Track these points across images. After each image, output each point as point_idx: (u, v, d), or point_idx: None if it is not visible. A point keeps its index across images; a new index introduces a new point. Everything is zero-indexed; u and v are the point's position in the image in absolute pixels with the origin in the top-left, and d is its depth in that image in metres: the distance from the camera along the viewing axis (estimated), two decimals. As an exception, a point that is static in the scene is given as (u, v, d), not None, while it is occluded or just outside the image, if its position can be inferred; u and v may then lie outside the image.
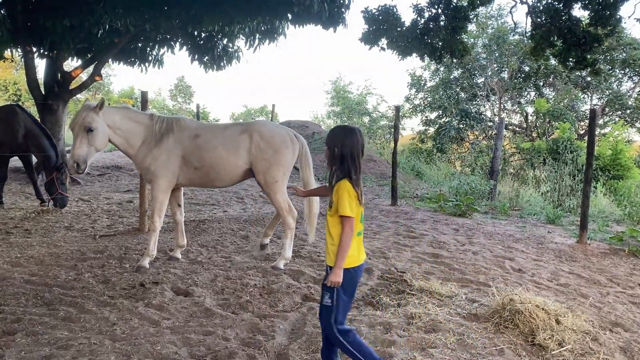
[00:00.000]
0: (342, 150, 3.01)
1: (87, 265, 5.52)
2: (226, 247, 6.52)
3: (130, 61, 12.67)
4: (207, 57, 12.19)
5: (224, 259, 5.92)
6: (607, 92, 21.09)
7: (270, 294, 4.73)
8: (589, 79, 20.30)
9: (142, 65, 12.74)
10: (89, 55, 12.12)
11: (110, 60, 12.60)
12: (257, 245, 6.53)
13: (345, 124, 3.88)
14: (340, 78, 31.83)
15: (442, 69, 23.20)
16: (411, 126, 34.68)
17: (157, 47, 12.50)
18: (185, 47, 12.21)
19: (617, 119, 20.91)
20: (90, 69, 12.21)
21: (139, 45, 12.33)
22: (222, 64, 12.41)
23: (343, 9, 9.79)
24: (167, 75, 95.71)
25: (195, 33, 11.60)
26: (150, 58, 12.67)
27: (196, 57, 12.20)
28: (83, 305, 4.33)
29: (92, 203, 9.40)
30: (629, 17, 8.67)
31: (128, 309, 4.25)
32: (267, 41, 11.38)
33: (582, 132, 19.67)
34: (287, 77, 79.36)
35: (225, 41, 12.23)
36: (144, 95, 7.40)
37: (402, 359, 3.50)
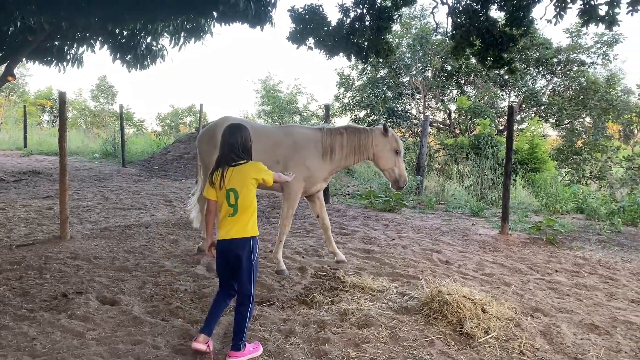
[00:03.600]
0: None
1: (3, 278, 5.16)
2: (154, 253, 6.31)
3: (47, 60, 11.99)
4: (129, 56, 11.74)
5: (153, 265, 5.73)
6: (523, 89, 22.25)
7: (202, 299, 4.63)
8: (506, 77, 21.31)
9: (59, 64, 12.08)
10: (0, 55, 11.36)
11: (24, 59, 11.87)
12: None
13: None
14: (270, 77, 31.63)
15: (369, 68, 23.60)
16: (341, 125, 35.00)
17: (75, 45, 11.90)
18: (106, 46, 11.70)
19: (532, 114, 22.11)
20: (2, 68, 11.45)
21: (56, 43, 11.68)
22: (145, 63, 11.99)
23: (269, 8, 9.73)
24: (88, 75, 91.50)
25: (117, 31, 11.14)
26: (68, 57, 12.05)
27: (118, 56, 11.72)
28: (-1, 321, 4.05)
29: (8, 211, 8.82)
30: (541, 18, 9.17)
31: (49, 321, 4.02)
32: (193, 40, 11.13)
33: (501, 127, 20.62)
34: (216, 77, 78.00)
35: (148, 39, 11.82)
36: (61, 96, 7.02)
37: (336, 356, 3.53)
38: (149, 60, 12.05)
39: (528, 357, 3.69)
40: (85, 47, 11.85)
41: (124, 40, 11.61)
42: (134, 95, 69.32)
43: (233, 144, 3.63)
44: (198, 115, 15.22)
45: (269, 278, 5.31)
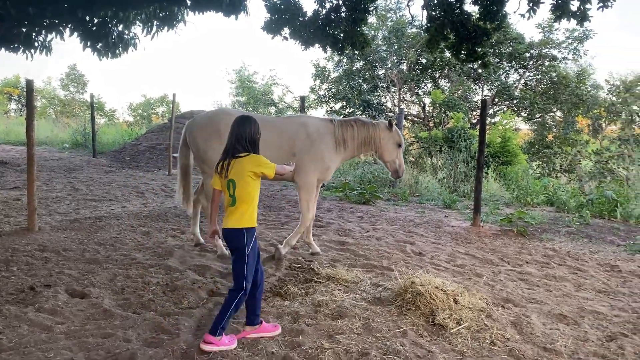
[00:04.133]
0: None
1: (-33, 271, 5.01)
2: (126, 245, 6.21)
3: (14, 47, 11.62)
4: (100, 44, 11.43)
5: (124, 257, 5.64)
6: (496, 83, 22.54)
7: (174, 291, 4.57)
8: (479, 71, 21.56)
9: (27, 51, 11.71)
10: (-38, 41, 10.96)
11: (-12, 46, 11.48)
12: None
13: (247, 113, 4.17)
14: (245, 67, 31.37)
15: (344, 60, 23.60)
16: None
17: (44, 32, 11.55)
18: (76, 33, 11.38)
19: (505, 108, 22.44)
20: (-35, 55, 11.08)
21: (23, 30, 11.32)
22: (117, 51, 11.70)
23: (244, -4, 9.60)
24: (58, 64, 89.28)
25: (87, 19, 10.85)
26: (36, 44, 11.70)
27: (89, 44, 11.42)
28: (-38, 315, 3.93)
29: (-28, 202, 8.57)
30: (514, 12, 9.26)
31: (16, 315, 3.91)
32: (166, 28, 10.92)
33: (474, 121, 20.86)
34: (189, 66, 76.99)
35: (120, 27, 11.54)
36: (29, 83, 6.82)
37: (310, 347, 3.53)
38: (120, 49, 11.77)
39: (499, 347, 3.74)
40: (54, 34, 11.51)
41: (94, 27, 11.31)
42: (106, 84, 68.14)
43: (241, 135, 3.63)
44: (171, 105, 14.99)
45: (242, 270, 5.27)
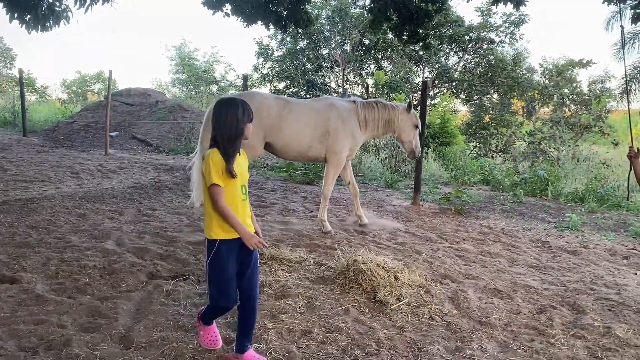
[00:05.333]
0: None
1: None
2: (60, 227, 5.95)
3: None
4: (29, 16, 10.78)
5: (58, 240, 5.40)
6: (436, 65, 23.00)
7: (112, 275, 4.43)
8: (421, 53, 21.92)
9: (-55, 22, 10.91)
10: None
11: None
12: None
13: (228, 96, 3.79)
14: (185, 44, 30.46)
15: (288, 39, 23.37)
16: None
17: (-36, 1, 10.76)
18: (2, 4, 10.66)
19: (445, 90, 22.97)
20: None
21: (-60, -2, 10.50)
22: (47, 24, 11.04)
23: (184, -29, 9.28)
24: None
25: (14, -13, 10.18)
26: (-44, 14, 10.89)
27: (16, 15, 10.73)
28: None
29: None
30: (455, -4, 9.43)
31: (-61, 304, 3.69)
32: (101, 1, 10.42)
33: (415, 102, 21.21)
34: (127, 42, 74.04)
35: (50, -1, 10.91)
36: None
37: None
38: (51, 22, 11.10)
39: (437, 321, 3.87)
40: (-24, 3, 10.75)
41: (22, -2, 10.64)
42: (37, 59, 64.44)
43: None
44: (107, 82, 14.38)
45: (183, 252, 5.18)
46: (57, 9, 11.03)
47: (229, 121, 2.93)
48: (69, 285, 4.15)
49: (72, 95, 33.56)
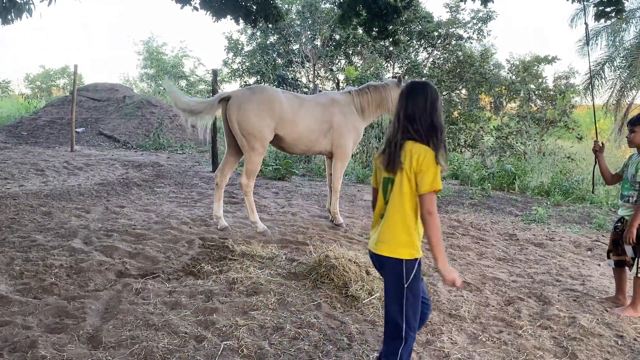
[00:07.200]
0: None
1: None
2: (24, 226, 5.80)
3: None
4: (-11, 9, 10.45)
5: (22, 239, 5.26)
6: (406, 61, 23.16)
7: (80, 274, 4.34)
8: (391, 48, 22.04)
9: None
10: None
11: None
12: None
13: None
14: (153, 38, 30.03)
15: (258, 33, 23.19)
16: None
17: None
18: (-41, -5, 10.29)
19: (414, 86, 23.11)
20: None
21: None
22: (9, 17, 10.68)
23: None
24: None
25: (-28, -22, 9.83)
26: None
27: (-25, 7, 10.38)
28: None
29: None
30: (424, -9, 9.51)
31: None
32: (65, -6, 10.16)
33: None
34: (93, 36, 72.38)
35: (12, -10, 10.57)
36: None
37: (225, 325, 3.50)
38: (13, 15, 10.74)
39: (408, 314, 3.91)
40: None
41: (-19, -11, 10.29)
42: (-2, 53, 62.43)
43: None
44: (73, 77, 14.04)
45: (152, 250, 5.10)
46: (19, 1, 10.71)
47: (439, 110, 2.58)
48: (35, 285, 4.04)
49: (36, 90, 32.70)
